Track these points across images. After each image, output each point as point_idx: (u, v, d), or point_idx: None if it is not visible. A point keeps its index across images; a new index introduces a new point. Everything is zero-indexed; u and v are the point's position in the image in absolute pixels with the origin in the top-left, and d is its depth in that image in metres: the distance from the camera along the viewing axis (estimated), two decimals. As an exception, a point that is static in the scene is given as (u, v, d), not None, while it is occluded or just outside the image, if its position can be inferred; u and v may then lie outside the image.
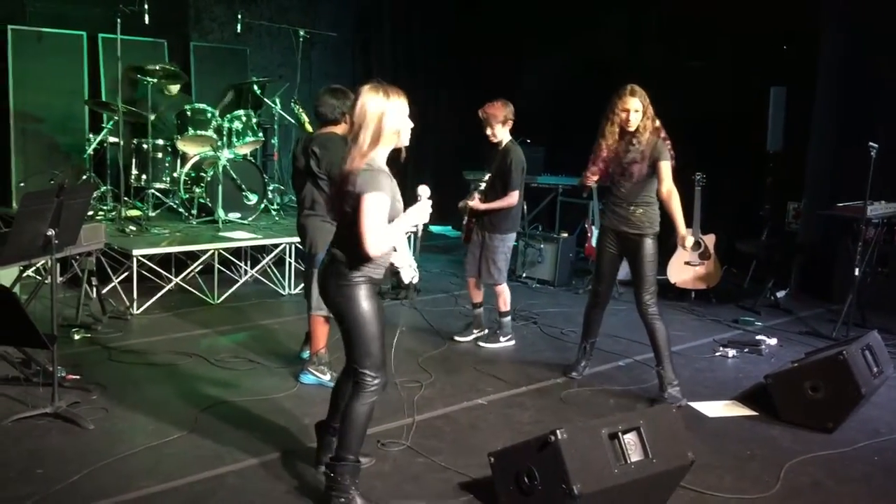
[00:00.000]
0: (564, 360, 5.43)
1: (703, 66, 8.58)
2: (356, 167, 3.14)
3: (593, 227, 7.78)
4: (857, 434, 4.38)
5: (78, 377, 4.53)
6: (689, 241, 5.00)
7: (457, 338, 5.88)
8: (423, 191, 3.37)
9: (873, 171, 5.91)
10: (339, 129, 4.61)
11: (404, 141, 3.26)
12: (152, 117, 7.46)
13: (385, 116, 3.15)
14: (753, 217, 8.21)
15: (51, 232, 4.03)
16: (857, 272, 6.19)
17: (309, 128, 7.24)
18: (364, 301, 3.23)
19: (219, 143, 7.50)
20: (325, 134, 4.65)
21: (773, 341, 6.01)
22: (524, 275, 7.99)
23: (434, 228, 10.31)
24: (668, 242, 7.39)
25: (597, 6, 9.37)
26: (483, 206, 5.57)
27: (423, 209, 3.29)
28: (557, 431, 3.08)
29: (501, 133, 5.54)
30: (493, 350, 5.73)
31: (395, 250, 3.39)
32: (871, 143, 5.87)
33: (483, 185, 5.59)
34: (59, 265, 4.63)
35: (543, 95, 9.46)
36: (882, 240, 6.64)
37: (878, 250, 6.65)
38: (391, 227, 3.19)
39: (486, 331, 5.91)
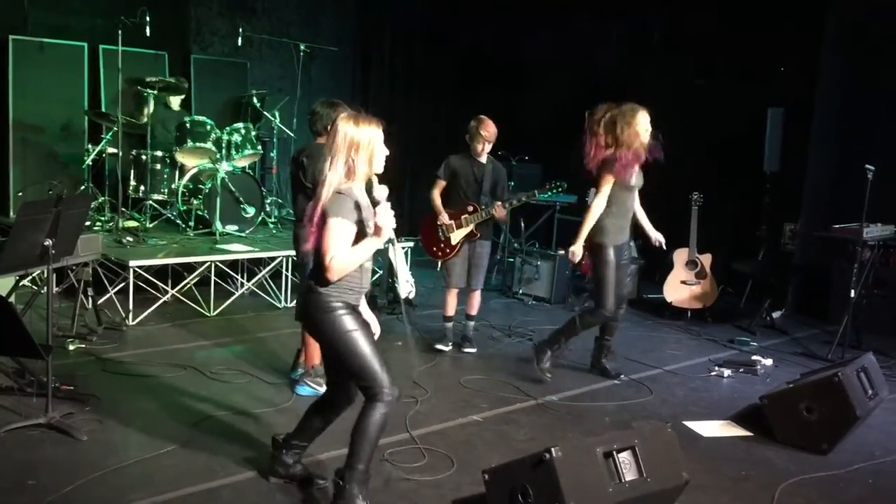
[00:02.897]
0: (559, 377, 5.43)
1: (702, 85, 8.62)
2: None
3: None
4: (853, 456, 4.38)
5: (72, 388, 4.51)
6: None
7: (438, 346, 5.95)
8: (382, 192, 3.24)
9: (870, 192, 5.94)
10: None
11: (378, 168, 3.27)
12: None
13: (359, 149, 3.18)
14: (750, 237, 8.22)
15: (48, 242, 4.02)
16: (852, 294, 6.20)
17: None
18: (346, 325, 3.25)
19: (217, 156, 7.52)
20: (316, 145, 4.73)
21: (768, 362, 6.00)
22: (520, 291, 7.99)
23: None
24: (664, 261, 7.50)
25: (597, 25, 9.41)
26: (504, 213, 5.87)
27: (386, 215, 3.16)
28: (552, 449, 3.08)
29: None
30: (484, 362, 5.77)
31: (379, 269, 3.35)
32: (867, 166, 5.90)
33: (515, 201, 5.91)
34: (55, 275, 4.61)
35: (542, 113, 9.49)
36: (878, 262, 6.66)
37: (873, 272, 6.67)
38: (357, 248, 3.18)
39: (453, 345, 6.02)
